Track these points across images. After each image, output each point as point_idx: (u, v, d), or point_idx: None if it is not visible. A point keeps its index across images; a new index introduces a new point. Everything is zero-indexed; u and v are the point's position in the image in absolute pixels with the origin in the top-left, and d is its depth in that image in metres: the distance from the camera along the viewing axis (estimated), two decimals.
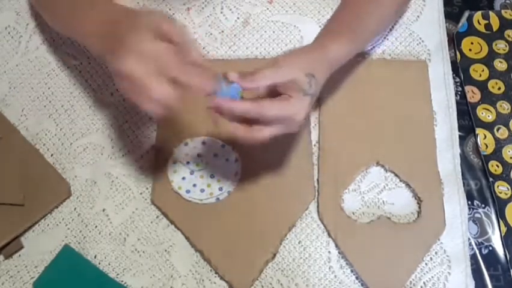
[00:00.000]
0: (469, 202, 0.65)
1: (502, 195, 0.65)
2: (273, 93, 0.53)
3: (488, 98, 0.70)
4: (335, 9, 0.63)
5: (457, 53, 0.73)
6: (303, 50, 0.55)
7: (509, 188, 0.65)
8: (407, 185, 0.64)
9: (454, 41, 0.73)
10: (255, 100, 0.51)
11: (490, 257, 0.63)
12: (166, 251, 0.63)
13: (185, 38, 0.49)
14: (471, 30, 0.74)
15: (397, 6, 0.65)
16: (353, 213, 0.64)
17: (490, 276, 0.62)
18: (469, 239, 0.62)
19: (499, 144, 0.68)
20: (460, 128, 0.68)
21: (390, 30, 0.73)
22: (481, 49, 0.73)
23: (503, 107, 0.70)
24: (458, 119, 0.68)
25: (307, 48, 0.55)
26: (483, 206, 0.65)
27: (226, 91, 0.50)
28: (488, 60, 0.72)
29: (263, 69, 0.51)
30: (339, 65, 0.57)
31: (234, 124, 0.51)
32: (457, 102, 0.69)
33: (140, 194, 0.66)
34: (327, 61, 0.55)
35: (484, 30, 0.74)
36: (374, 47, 0.72)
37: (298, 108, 0.52)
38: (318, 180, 0.65)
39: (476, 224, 0.64)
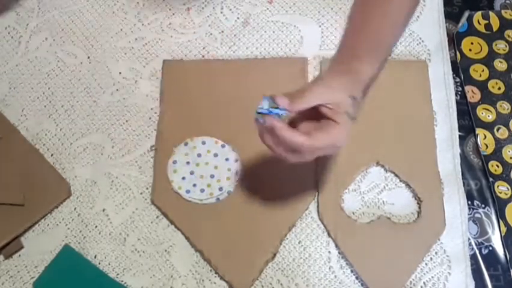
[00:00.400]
0: (469, 202, 0.65)
1: (502, 195, 0.65)
2: (306, 114, 0.52)
3: (488, 98, 0.70)
4: (336, 10, 0.62)
5: (457, 53, 0.73)
6: (342, 71, 0.53)
7: (509, 188, 0.65)
8: (407, 185, 0.64)
9: (454, 41, 0.73)
10: (305, 134, 0.49)
11: (490, 257, 0.63)
12: (166, 251, 0.63)
13: None
14: (471, 30, 0.74)
15: (408, 9, 0.63)
16: (353, 213, 0.64)
17: (490, 276, 0.62)
18: (468, 239, 0.62)
19: (499, 144, 0.68)
20: (460, 128, 0.68)
21: None
22: (481, 49, 0.73)
23: (503, 107, 0.70)
24: (458, 119, 0.68)
25: (345, 69, 0.54)
26: (483, 206, 0.65)
27: (276, 107, 0.49)
28: (488, 60, 0.72)
29: (312, 87, 0.50)
30: (372, 83, 0.56)
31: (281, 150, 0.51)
32: (457, 102, 0.69)
33: (140, 194, 0.66)
34: (362, 84, 0.54)
35: (484, 30, 0.74)
36: None
37: (345, 133, 0.51)
38: (318, 180, 0.65)
39: (476, 224, 0.64)
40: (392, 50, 0.67)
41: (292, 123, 0.52)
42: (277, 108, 0.48)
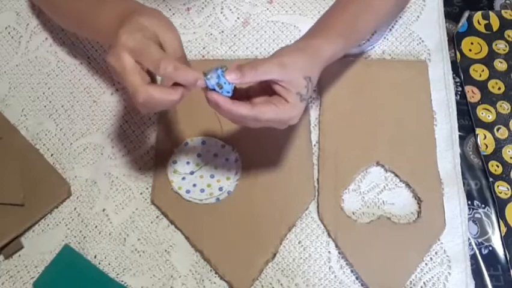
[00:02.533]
0: (469, 202, 0.65)
1: (502, 195, 0.65)
2: (264, 87, 0.52)
3: (488, 98, 0.70)
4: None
5: (457, 53, 0.73)
6: (299, 50, 0.53)
7: (509, 188, 0.65)
8: (407, 185, 0.64)
9: (454, 41, 0.73)
10: (251, 104, 0.51)
11: (490, 257, 0.63)
12: (166, 251, 0.63)
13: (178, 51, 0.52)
14: (471, 30, 0.74)
15: (394, 3, 0.64)
16: (353, 213, 0.64)
17: (490, 276, 0.62)
18: (468, 239, 0.62)
19: (499, 144, 0.68)
20: (460, 128, 0.68)
21: (391, 29, 0.73)
22: (481, 49, 0.73)
23: (503, 107, 0.70)
24: (458, 119, 0.68)
25: (302, 48, 0.54)
26: (483, 206, 0.65)
27: (222, 83, 0.50)
28: (488, 60, 0.72)
29: (266, 63, 0.50)
30: (328, 63, 0.57)
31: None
32: (457, 102, 0.69)
33: (140, 194, 0.66)
34: (321, 64, 0.54)
35: (484, 30, 0.74)
36: (374, 47, 0.72)
37: (294, 113, 0.52)
38: (318, 180, 0.65)
39: (476, 224, 0.64)
40: (369, 34, 0.67)
41: (248, 91, 0.53)
42: (224, 83, 0.49)
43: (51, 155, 0.68)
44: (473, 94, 0.71)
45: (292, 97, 0.51)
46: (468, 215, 0.64)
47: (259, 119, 0.50)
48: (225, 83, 0.49)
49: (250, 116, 0.50)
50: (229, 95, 0.50)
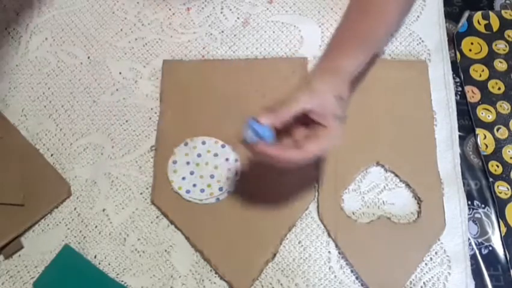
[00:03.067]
0: (469, 202, 0.65)
1: (502, 195, 0.65)
2: (302, 117, 0.52)
3: (488, 98, 0.70)
4: (336, 10, 0.62)
5: (457, 53, 0.73)
6: (322, 72, 0.54)
7: (509, 188, 0.65)
8: (407, 185, 0.64)
9: (454, 41, 0.73)
10: (296, 147, 0.51)
11: (490, 257, 0.63)
12: (166, 251, 0.63)
13: None
14: (471, 30, 0.74)
15: (403, 8, 0.63)
16: (353, 213, 0.64)
17: (490, 276, 0.62)
18: (469, 239, 0.62)
19: (499, 144, 0.68)
20: (460, 128, 0.68)
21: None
22: (481, 49, 0.73)
23: (503, 107, 0.70)
24: (458, 119, 0.68)
25: (324, 68, 0.54)
26: (483, 206, 0.65)
27: (260, 133, 0.50)
28: (488, 60, 0.72)
29: (295, 97, 0.51)
30: (358, 80, 0.57)
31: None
32: (457, 102, 0.69)
33: (140, 194, 0.66)
34: (345, 79, 0.54)
35: (484, 31, 0.74)
36: None
37: (336, 136, 0.51)
38: (318, 180, 0.65)
39: (476, 224, 0.64)
40: (382, 47, 0.67)
41: (287, 127, 0.53)
42: (263, 134, 0.50)
43: (51, 155, 0.68)
44: (473, 94, 0.71)
45: (329, 120, 0.51)
46: (468, 215, 0.64)
47: (308, 157, 0.50)
48: (263, 132, 0.50)
49: (299, 158, 0.50)
50: (271, 139, 0.51)
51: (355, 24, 0.59)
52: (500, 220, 0.64)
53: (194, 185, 0.64)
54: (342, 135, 0.52)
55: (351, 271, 0.61)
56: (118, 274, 0.62)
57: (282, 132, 0.53)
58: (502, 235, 0.63)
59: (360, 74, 0.59)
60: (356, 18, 0.59)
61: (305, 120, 0.52)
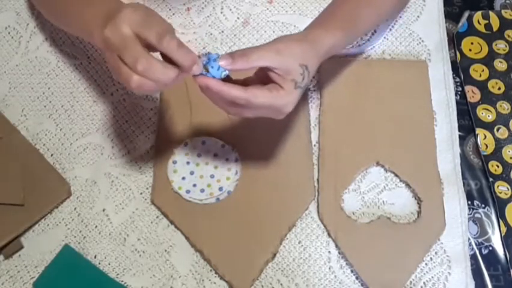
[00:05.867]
0: (469, 202, 0.65)
1: (502, 195, 0.65)
2: (261, 76, 0.52)
3: (488, 98, 0.70)
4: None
5: (457, 53, 0.73)
6: (297, 39, 0.53)
7: (509, 188, 0.65)
8: (407, 185, 0.64)
9: (454, 41, 0.73)
10: (244, 87, 0.49)
11: (490, 257, 0.63)
12: (166, 251, 0.63)
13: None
14: (471, 30, 0.74)
15: (396, 1, 0.64)
16: (353, 213, 0.64)
17: (490, 276, 0.62)
18: (469, 239, 0.62)
19: (499, 144, 0.68)
20: (460, 128, 0.68)
21: (391, 29, 0.73)
22: (481, 49, 0.73)
23: (503, 107, 0.70)
24: (458, 119, 0.68)
25: (300, 37, 0.53)
26: (483, 206, 0.65)
27: (213, 72, 0.49)
28: (488, 60, 0.72)
29: (259, 50, 0.49)
30: (328, 56, 0.56)
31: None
32: (457, 102, 0.69)
33: (140, 194, 0.66)
34: (319, 54, 0.54)
35: (484, 30, 0.74)
36: (374, 46, 0.72)
37: (288, 100, 0.50)
38: (318, 180, 0.65)
39: (476, 224, 0.64)
40: (369, 29, 0.67)
41: (246, 83, 0.52)
42: (211, 67, 0.49)
43: (51, 155, 0.68)
44: (473, 94, 0.71)
45: (287, 83, 0.50)
46: (468, 215, 0.64)
47: (251, 102, 0.49)
48: (212, 67, 0.48)
49: (242, 98, 0.49)
50: (221, 77, 0.49)
51: (341, 4, 0.59)
52: (500, 220, 0.64)
53: (194, 185, 0.64)
54: (293, 104, 0.51)
55: (351, 271, 0.61)
56: (118, 274, 0.62)
57: (239, 83, 0.51)
58: (502, 235, 0.63)
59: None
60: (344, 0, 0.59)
61: (263, 82, 0.51)
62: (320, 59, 0.54)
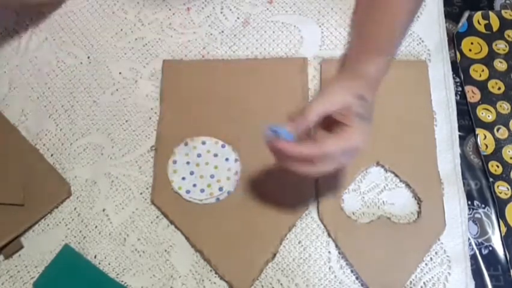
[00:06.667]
0: (469, 202, 0.65)
1: (502, 195, 0.65)
2: (327, 124, 0.51)
3: (488, 98, 0.70)
4: (336, 10, 0.61)
5: (457, 53, 0.73)
6: (340, 77, 0.53)
7: (509, 188, 0.65)
8: (407, 185, 0.64)
9: (454, 41, 0.73)
10: (315, 141, 0.49)
11: (490, 257, 0.63)
12: (166, 251, 0.63)
13: None
14: (471, 30, 0.74)
15: (412, 7, 0.63)
16: (353, 213, 0.64)
17: (490, 276, 0.62)
18: (469, 239, 0.62)
19: (499, 144, 0.68)
20: (460, 128, 0.68)
21: None
22: (481, 49, 0.73)
23: (503, 107, 0.70)
24: (458, 119, 0.68)
25: (344, 75, 0.53)
26: (483, 206, 0.65)
27: (281, 134, 0.50)
28: (488, 60, 0.72)
29: (313, 104, 0.49)
30: (380, 80, 0.56)
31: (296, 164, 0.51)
32: (457, 102, 0.69)
33: (140, 194, 0.66)
34: (368, 83, 0.54)
35: (484, 30, 0.74)
36: None
37: (359, 135, 0.50)
38: (318, 180, 0.65)
39: (476, 224, 0.64)
40: (397, 48, 0.67)
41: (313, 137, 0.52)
42: (282, 133, 0.49)
43: (51, 155, 0.68)
44: (473, 94, 0.71)
45: (351, 120, 0.49)
46: (468, 215, 0.64)
47: (325, 152, 0.48)
48: (284, 133, 0.49)
49: (318, 152, 0.48)
50: (291, 140, 0.50)
51: (367, 29, 0.58)
52: (500, 220, 0.64)
53: (194, 185, 0.64)
54: (366, 139, 0.50)
55: (351, 271, 0.61)
56: (118, 274, 0.62)
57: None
58: (502, 235, 0.63)
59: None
60: (366, 22, 0.58)
61: (331, 127, 0.51)
62: (373, 86, 0.54)
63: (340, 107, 0.50)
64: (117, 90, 0.71)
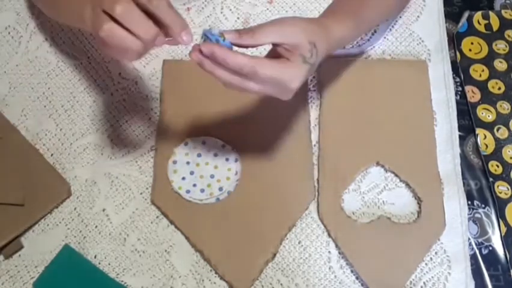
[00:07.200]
0: (469, 202, 0.65)
1: (502, 195, 0.65)
2: (269, 56, 0.50)
3: (488, 98, 0.70)
4: None
5: (457, 53, 0.73)
6: (306, 19, 0.51)
7: (509, 188, 0.65)
8: (407, 185, 0.64)
9: (454, 41, 0.73)
10: (251, 56, 0.47)
11: (490, 257, 0.63)
12: (166, 251, 0.63)
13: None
14: (471, 30, 0.74)
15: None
16: (353, 213, 0.64)
17: (490, 276, 0.62)
18: (469, 239, 0.62)
19: (499, 144, 0.68)
20: (460, 128, 0.68)
21: (391, 29, 0.73)
22: (481, 49, 0.73)
23: (503, 107, 0.70)
24: (458, 119, 0.68)
25: (310, 19, 0.52)
26: (483, 206, 0.65)
27: (217, 40, 0.47)
28: (488, 60, 0.72)
29: (266, 26, 0.48)
30: (338, 47, 0.55)
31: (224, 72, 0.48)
32: (457, 102, 0.69)
33: (140, 194, 0.66)
34: (328, 39, 0.52)
35: (484, 30, 0.74)
36: (374, 46, 0.72)
37: (295, 74, 0.49)
38: (318, 180, 0.65)
39: (476, 224, 0.64)
40: (375, 24, 0.67)
41: None
42: (220, 40, 0.46)
43: (51, 155, 0.68)
44: (473, 94, 0.71)
45: (294, 57, 0.48)
46: (468, 215, 0.64)
47: (257, 72, 0.46)
48: (217, 40, 0.46)
49: (249, 65, 0.46)
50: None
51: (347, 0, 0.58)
52: (500, 220, 0.64)
53: (194, 185, 0.64)
54: (300, 81, 0.49)
55: (351, 271, 0.61)
56: (118, 274, 0.62)
57: None
58: (502, 235, 0.63)
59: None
60: None
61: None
62: (329, 46, 0.53)
63: (290, 42, 0.48)
64: (117, 90, 0.71)
